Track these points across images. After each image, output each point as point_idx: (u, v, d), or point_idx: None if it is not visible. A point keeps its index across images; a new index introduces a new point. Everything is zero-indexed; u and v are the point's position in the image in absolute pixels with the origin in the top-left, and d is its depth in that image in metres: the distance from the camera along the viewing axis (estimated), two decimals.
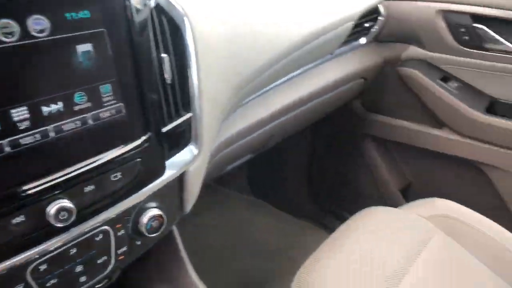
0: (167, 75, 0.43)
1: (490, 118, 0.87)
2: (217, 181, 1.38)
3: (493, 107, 0.89)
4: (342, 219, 0.76)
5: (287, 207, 1.30)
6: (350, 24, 0.82)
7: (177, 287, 0.54)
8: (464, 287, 0.65)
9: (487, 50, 0.85)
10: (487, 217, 0.76)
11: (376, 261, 0.66)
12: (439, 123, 0.96)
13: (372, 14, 0.90)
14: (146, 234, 0.42)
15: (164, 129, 0.43)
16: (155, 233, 0.43)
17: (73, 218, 0.34)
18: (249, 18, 0.60)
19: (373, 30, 0.95)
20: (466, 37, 0.86)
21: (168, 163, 0.44)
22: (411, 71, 0.96)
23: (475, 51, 0.86)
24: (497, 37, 0.83)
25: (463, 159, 0.94)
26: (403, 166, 1.08)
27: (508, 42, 0.82)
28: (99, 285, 0.50)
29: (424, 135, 0.98)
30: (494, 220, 0.75)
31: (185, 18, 0.45)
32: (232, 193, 1.39)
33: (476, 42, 0.85)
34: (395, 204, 0.82)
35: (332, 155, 1.21)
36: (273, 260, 1.13)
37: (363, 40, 0.95)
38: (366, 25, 0.92)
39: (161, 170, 0.43)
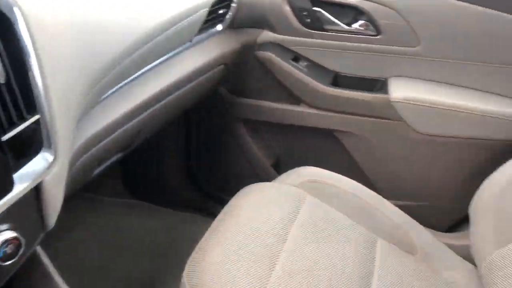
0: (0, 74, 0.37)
1: (335, 90, 0.99)
2: (88, 189, 1.26)
3: (337, 80, 1.01)
4: (226, 204, 0.78)
5: (170, 203, 1.27)
6: (204, 11, 0.83)
7: None
8: (335, 240, 0.74)
9: (326, 30, 0.96)
10: (346, 176, 0.87)
11: (259, 235, 0.70)
12: (296, 100, 1.05)
13: (225, 0, 0.92)
14: (0, 263, 0.36)
15: (5, 137, 0.37)
16: (11, 259, 0.37)
17: None
18: (99, 4, 0.55)
19: (227, 16, 0.97)
20: (308, 20, 0.95)
21: (16, 176, 0.38)
22: (267, 54, 1.02)
23: (317, 32, 0.96)
24: (333, 18, 0.94)
25: (320, 129, 1.05)
26: (272, 143, 1.16)
27: (342, 23, 0.94)
28: None
29: (286, 112, 1.06)
30: (351, 178, 0.87)
31: (15, 8, 0.39)
32: (108, 199, 1.30)
33: (317, 24, 0.96)
34: (269, 180, 0.88)
35: (208, 142, 1.23)
36: (161, 259, 1.10)
37: (219, 27, 0.97)
38: (221, 11, 0.94)
39: (8, 185, 0.37)
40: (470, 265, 0.74)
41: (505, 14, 0.83)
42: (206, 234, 0.72)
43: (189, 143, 1.24)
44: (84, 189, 1.24)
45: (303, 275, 0.64)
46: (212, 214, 0.77)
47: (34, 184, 0.40)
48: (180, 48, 0.83)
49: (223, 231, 0.70)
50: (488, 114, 0.89)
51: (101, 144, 0.63)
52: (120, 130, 0.67)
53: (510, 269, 0.57)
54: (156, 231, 1.20)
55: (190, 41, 0.86)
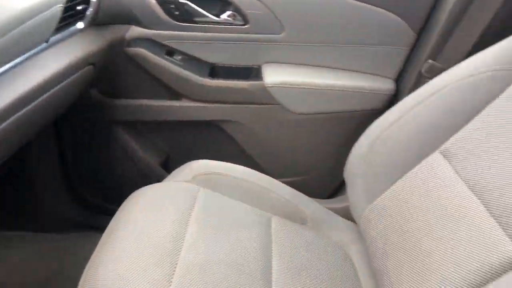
0: None
1: (213, 81, 1.01)
2: None
3: (214, 71, 1.03)
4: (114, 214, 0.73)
5: (52, 226, 1.14)
6: (59, 7, 0.75)
7: None
8: (233, 227, 0.75)
9: (196, 22, 0.96)
10: (237, 164, 0.90)
11: (155, 239, 0.67)
12: (176, 95, 1.03)
13: None
14: None
15: None
16: None
17: None
18: None
19: (88, 13, 0.90)
20: (177, 13, 0.94)
21: None
22: (138, 50, 0.98)
23: (187, 24, 0.96)
24: (201, 10, 0.94)
25: (205, 121, 1.06)
26: (158, 142, 1.12)
27: (210, 14, 0.95)
28: None
29: (167, 109, 1.04)
30: (242, 165, 0.90)
31: None
32: None
33: (186, 16, 0.95)
34: (161, 180, 0.85)
35: (86, 151, 1.13)
36: None
37: (80, 25, 0.89)
38: (79, 8, 0.87)
39: None
40: (352, 224, 0.84)
41: (357, 2, 0.94)
42: (97, 248, 0.66)
43: (64, 155, 1.12)
44: None
45: (206, 268, 0.64)
46: (102, 228, 0.72)
47: None
48: (35, 50, 0.74)
49: (115, 242, 0.66)
50: (347, 89, 1.01)
51: None
52: None
53: (379, 219, 0.67)
54: (40, 261, 1.07)
55: (46, 41, 0.77)
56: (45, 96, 0.75)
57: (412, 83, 0.97)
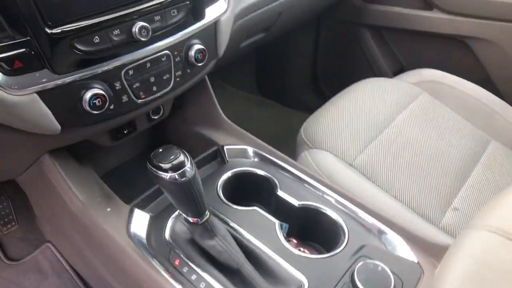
0: None
1: None
2: (227, 81, 1.48)
3: None
4: None
5: (294, 105, 1.42)
6: None
7: (213, 123, 0.68)
8: (442, 130, 0.79)
9: None
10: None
11: (369, 112, 0.80)
12: (429, 5, 1.04)
13: None
14: (194, 62, 0.54)
15: None
16: (200, 62, 0.55)
17: (149, 35, 0.47)
18: None
19: None
20: None
21: (206, 11, 0.55)
22: None
23: None
24: None
25: (450, 35, 1.03)
26: (396, 51, 1.18)
27: None
28: (155, 117, 0.64)
29: (416, 18, 1.07)
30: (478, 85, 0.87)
31: None
32: (242, 92, 1.51)
33: None
34: None
35: (333, 48, 1.30)
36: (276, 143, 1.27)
37: None
38: None
39: (202, 14, 0.54)
40: None
41: None
42: (321, 107, 0.84)
43: (317, 51, 1.33)
44: (224, 81, 1.46)
45: (399, 146, 0.74)
46: None
47: (215, 20, 0.57)
48: None
49: (335, 107, 0.82)
50: None
51: (250, 16, 0.78)
52: (264, 8, 0.81)
53: None
54: (276, 123, 1.38)
55: None
56: None
57: None
